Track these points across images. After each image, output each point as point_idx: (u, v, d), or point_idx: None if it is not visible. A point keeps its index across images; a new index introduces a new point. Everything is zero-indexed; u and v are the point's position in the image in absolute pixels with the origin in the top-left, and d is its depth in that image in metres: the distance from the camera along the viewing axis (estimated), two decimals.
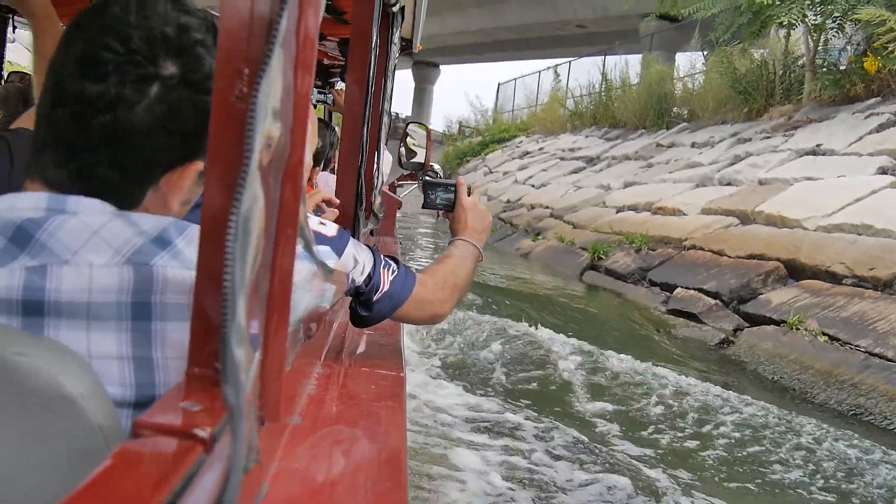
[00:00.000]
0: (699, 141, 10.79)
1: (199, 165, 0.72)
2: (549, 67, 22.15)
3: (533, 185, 13.57)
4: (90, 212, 0.67)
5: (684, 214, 7.81)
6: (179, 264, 0.65)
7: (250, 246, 0.48)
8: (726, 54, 10.74)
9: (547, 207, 11.35)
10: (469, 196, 1.51)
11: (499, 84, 27.49)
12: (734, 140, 9.66)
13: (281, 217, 0.57)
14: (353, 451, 0.82)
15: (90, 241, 0.64)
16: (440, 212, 1.56)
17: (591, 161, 13.55)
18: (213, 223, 0.49)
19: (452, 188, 1.52)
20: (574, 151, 14.90)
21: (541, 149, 17.08)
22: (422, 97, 42.36)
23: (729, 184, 8.19)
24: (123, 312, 0.64)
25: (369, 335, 1.45)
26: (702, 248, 6.58)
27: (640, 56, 16.58)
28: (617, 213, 9.20)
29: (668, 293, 6.16)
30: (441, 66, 42.26)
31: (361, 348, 1.39)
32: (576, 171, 13.27)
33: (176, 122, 0.69)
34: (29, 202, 0.67)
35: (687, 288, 5.90)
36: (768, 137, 8.99)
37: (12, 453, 0.54)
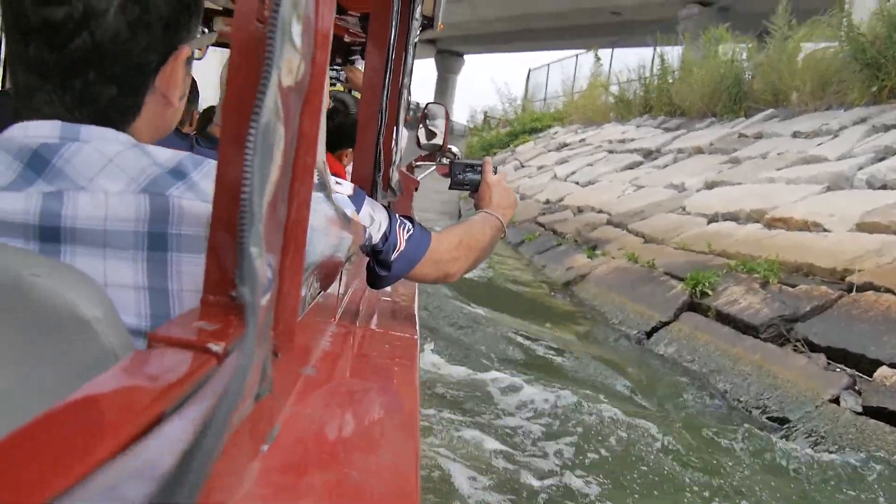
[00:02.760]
0: (804, 129, 8.26)
1: (186, 50, 0.72)
2: (588, 50, 19.60)
3: (577, 183, 11.07)
4: (105, 140, 0.67)
5: (826, 231, 5.30)
6: (195, 196, 0.65)
7: (269, 164, 0.48)
8: (847, 16, 8.20)
9: (601, 211, 8.86)
10: (495, 175, 1.53)
11: (529, 70, 24.97)
12: (867, 128, 7.12)
13: (300, 145, 0.57)
14: (366, 402, 0.80)
15: (106, 168, 0.64)
16: (467, 191, 1.57)
17: (649, 154, 11.05)
18: (232, 138, 0.50)
19: (479, 168, 1.54)
20: (625, 143, 12.40)
21: (582, 140, 14.58)
22: (445, 87, 40.25)
23: (884, 186, 5.67)
24: (140, 242, 0.63)
25: (384, 301, 1.46)
26: (889, 290, 4.07)
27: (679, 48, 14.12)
28: (709, 223, 6.70)
29: (850, 370, 3.66)
30: (466, 56, 40.04)
31: (376, 313, 1.38)
32: (631, 167, 10.78)
33: (152, 14, 0.68)
34: (41, 130, 0.66)
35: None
36: None
37: (24, 373, 0.54)
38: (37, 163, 0.63)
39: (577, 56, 20.72)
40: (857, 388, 3.51)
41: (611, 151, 12.35)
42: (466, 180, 1.55)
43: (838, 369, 3.72)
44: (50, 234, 0.62)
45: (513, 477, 2.69)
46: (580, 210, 9.51)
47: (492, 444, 2.96)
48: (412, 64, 2.28)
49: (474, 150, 19.44)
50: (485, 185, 1.51)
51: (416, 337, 1.21)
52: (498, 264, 8.17)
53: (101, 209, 0.62)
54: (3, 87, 2.25)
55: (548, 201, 10.74)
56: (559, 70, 21.72)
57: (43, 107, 0.66)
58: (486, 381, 3.74)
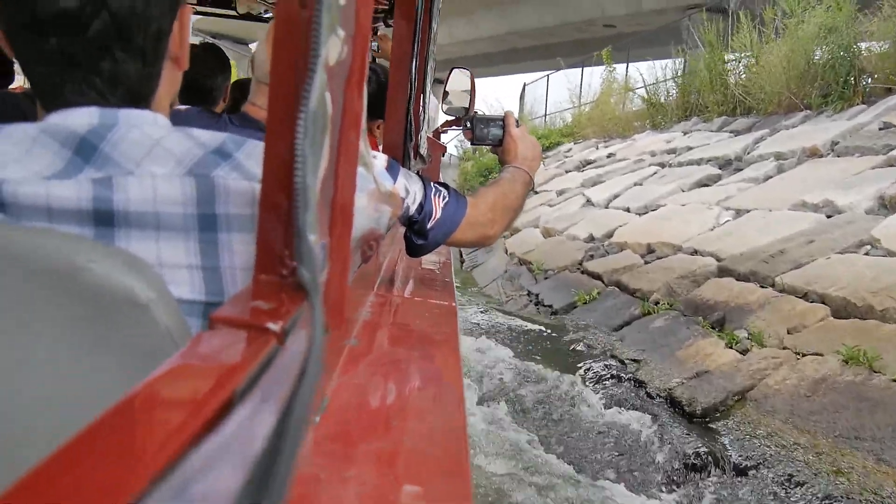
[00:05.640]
0: None
1: (188, 7, 0.71)
2: (596, 54, 16.48)
3: (629, 210, 7.74)
4: (147, 124, 0.67)
5: None
6: (240, 175, 0.65)
7: (320, 146, 0.48)
8: None
9: (696, 252, 5.50)
10: (517, 127, 1.50)
11: (524, 85, 21.84)
12: None
13: (344, 122, 0.57)
14: (411, 371, 0.79)
15: (153, 151, 0.64)
16: (490, 147, 1.54)
17: (727, 165, 7.77)
18: (279, 120, 0.49)
19: (500, 122, 1.51)
20: (678, 154, 9.15)
21: (610, 155, 11.33)
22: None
23: None
24: (190, 223, 0.63)
25: (420, 270, 1.46)
26: None
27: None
28: None
29: None
30: None
31: (413, 281, 1.39)
32: (707, 183, 7.50)
33: None
34: (82, 118, 0.66)
35: None
36: None
37: (83, 358, 0.54)
38: (85, 149, 0.62)
39: (582, 65, 17.59)
40: None
41: (662, 165, 9.08)
42: (490, 136, 1.52)
43: None
44: (104, 219, 0.62)
45: None
46: (650, 249, 6.17)
47: None
48: (436, 30, 2.26)
49: (469, 176, 16.18)
50: (509, 138, 1.49)
51: (454, 304, 1.20)
52: (538, 362, 4.76)
53: (150, 193, 0.61)
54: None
55: (591, 238, 7.37)
56: (563, 81, 18.56)
57: (75, 97, 0.66)
58: None
